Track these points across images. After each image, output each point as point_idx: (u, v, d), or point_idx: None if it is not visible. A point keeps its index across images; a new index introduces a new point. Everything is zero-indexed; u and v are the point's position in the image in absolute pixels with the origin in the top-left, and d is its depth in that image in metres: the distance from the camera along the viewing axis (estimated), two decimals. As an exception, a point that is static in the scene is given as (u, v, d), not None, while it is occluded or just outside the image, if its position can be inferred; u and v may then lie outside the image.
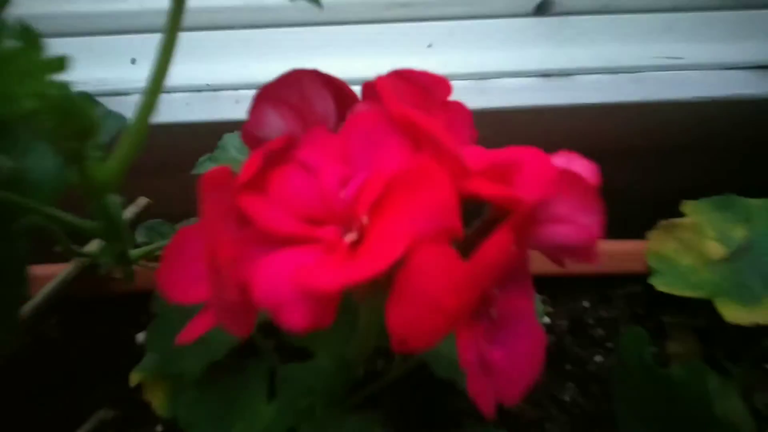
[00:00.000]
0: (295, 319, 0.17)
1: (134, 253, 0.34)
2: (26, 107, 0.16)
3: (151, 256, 0.37)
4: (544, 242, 0.20)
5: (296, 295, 0.17)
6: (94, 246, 0.36)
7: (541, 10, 0.40)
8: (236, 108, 0.38)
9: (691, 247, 0.41)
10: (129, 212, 0.38)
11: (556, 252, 0.21)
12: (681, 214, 0.42)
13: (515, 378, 0.20)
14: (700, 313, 0.41)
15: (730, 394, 0.40)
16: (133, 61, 0.39)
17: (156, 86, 0.21)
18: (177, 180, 0.37)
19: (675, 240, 0.41)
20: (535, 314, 0.21)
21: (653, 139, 0.43)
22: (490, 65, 0.39)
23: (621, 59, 0.39)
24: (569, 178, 0.20)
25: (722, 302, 0.38)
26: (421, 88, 0.21)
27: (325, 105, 0.21)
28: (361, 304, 0.24)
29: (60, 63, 0.17)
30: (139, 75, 0.39)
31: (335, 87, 0.21)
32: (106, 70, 0.38)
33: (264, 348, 0.31)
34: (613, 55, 0.39)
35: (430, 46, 0.39)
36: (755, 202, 0.42)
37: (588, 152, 0.23)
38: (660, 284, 0.39)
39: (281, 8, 0.40)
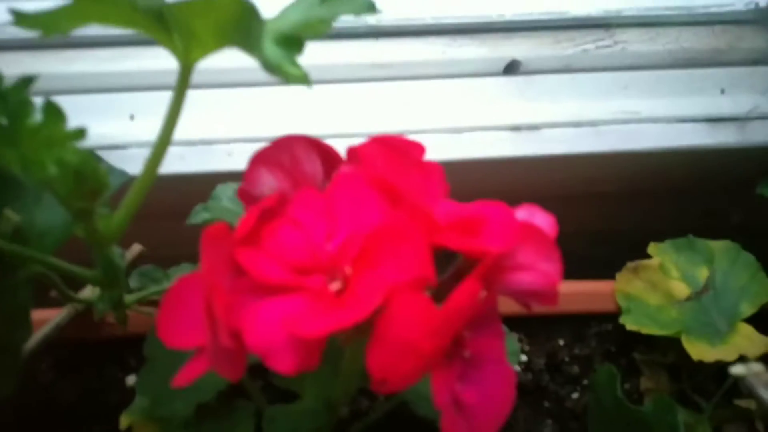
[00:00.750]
0: (284, 363, 0.19)
1: (128, 298, 0.35)
2: (50, 173, 0.18)
3: (144, 301, 0.39)
4: (510, 288, 0.23)
5: (285, 342, 0.19)
6: (88, 291, 0.37)
7: (509, 70, 0.43)
8: (228, 160, 0.41)
9: (658, 287, 0.43)
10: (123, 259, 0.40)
11: (521, 296, 0.23)
12: (647, 255, 0.44)
13: (488, 417, 0.21)
14: (669, 350, 0.43)
15: (701, 428, 0.42)
16: (132, 117, 0.41)
17: (156, 157, 0.23)
18: (169, 227, 0.39)
19: (642, 280, 0.43)
20: (506, 355, 0.23)
21: (616, 186, 0.45)
22: (464, 120, 0.42)
23: (583, 114, 0.42)
24: (531, 230, 0.22)
25: (689, 340, 0.40)
26: (399, 152, 0.23)
27: (313, 166, 0.23)
28: (345, 347, 0.26)
29: (79, 133, 0.20)
30: (138, 130, 0.41)
31: (322, 150, 0.24)
32: (106, 125, 0.40)
33: (252, 389, 0.32)
34: (576, 110, 0.42)
35: (407, 103, 0.43)
36: (716, 244, 0.44)
37: (555, 199, 0.26)
38: (630, 323, 0.41)
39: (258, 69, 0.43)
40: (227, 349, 0.19)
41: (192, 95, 0.42)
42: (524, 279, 0.22)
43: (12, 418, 0.37)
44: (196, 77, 0.42)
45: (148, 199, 0.41)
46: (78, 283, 0.37)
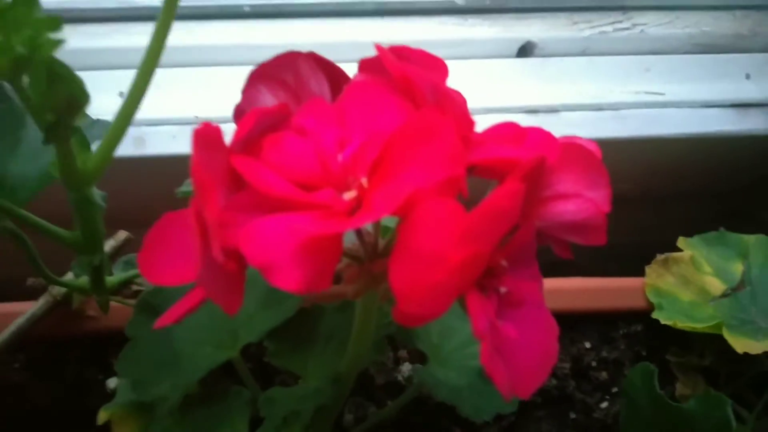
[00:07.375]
0: (289, 278, 0.15)
1: (110, 280, 0.32)
2: (18, 53, 0.15)
3: (128, 293, 0.35)
4: (552, 220, 0.19)
5: (290, 251, 0.15)
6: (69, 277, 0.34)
7: (524, 52, 0.42)
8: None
9: (690, 283, 0.40)
10: (108, 246, 0.36)
11: (563, 232, 0.20)
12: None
13: (529, 366, 0.18)
14: (706, 351, 0.39)
15: (746, 440, 0.37)
16: (121, 95, 0.39)
17: (145, 72, 0.21)
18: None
19: (673, 275, 0.40)
20: (545, 303, 0.20)
21: (638, 184, 0.43)
22: (476, 102, 0.40)
23: (604, 96, 0.40)
24: (574, 150, 0.19)
25: (731, 334, 0.37)
26: (420, 66, 0.20)
27: (320, 85, 0.21)
28: (357, 302, 0.22)
29: (54, 22, 0.17)
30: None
31: (330, 70, 0.21)
32: (94, 102, 0.38)
33: (245, 374, 0.28)
34: (596, 92, 0.40)
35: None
36: (749, 238, 0.41)
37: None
38: (664, 318, 0.38)
39: (267, 47, 0.41)
40: (222, 268, 0.16)
41: (186, 73, 0.40)
42: (567, 208, 0.19)
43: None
44: (191, 54, 0.41)
45: (138, 183, 0.38)
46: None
